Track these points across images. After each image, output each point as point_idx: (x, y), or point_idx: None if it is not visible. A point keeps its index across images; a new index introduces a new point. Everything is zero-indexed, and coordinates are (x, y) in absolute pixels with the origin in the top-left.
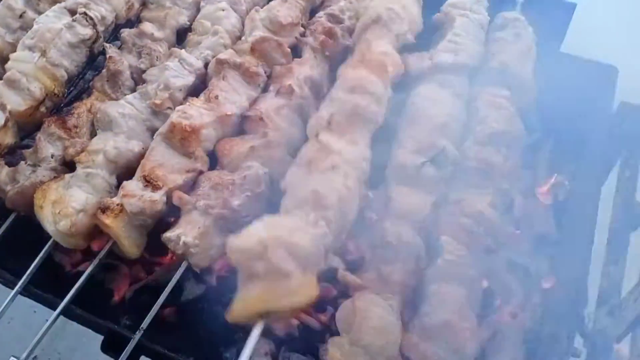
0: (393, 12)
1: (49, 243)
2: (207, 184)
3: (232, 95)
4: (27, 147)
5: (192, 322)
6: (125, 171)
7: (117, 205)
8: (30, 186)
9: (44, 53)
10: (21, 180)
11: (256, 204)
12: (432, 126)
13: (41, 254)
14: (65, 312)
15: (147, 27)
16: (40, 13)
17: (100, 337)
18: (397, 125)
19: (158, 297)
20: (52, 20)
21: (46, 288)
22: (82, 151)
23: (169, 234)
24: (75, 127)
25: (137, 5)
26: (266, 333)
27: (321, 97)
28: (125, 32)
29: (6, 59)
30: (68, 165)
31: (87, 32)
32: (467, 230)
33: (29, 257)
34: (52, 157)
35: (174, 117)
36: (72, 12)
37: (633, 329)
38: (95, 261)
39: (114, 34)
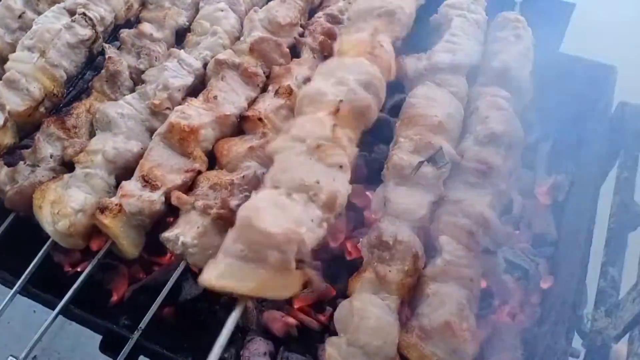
0: None
1: (48, 243)
2: (205, 184)
3: (231, 96)
4: (26, 147)
5: (191, 322)
6: (124, 171)
7: (116, 205)
8: (29, 186)
9: (43, 53)
10: (20, 180)
11: None
12: (430, 126)
13: (40, 254)
14: (64, 312)
15: (146, 27)
16: (39, 13)
17: (99, 337)
18: (394, 125)
19: (157, 297)
20: (51, 21)
21: (45, 288)
22: (81, 151)
23: (168, 234)
24: (74, 127)
25: (136, 6)
26: (265, 334)
27: None
28: (125, 33)
29: (5, 59)
30: (67, 166)
31: (86, 32)
32: (466, 230)
33: (28, 257)
34: (51, 158)
35: (173, 117)
36: (72, 13)
37: (631, 329)
38: (94, 261)
39: (113, 35)
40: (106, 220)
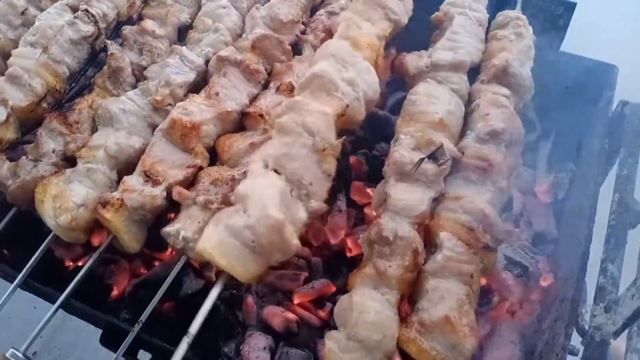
0: None
1: (50, 237)
2: (206, 180)
3: (233, 92)
4: (28, 142)
5: (191, 317)
6: (126, 167)
7: (118, 199)
8: (31, 181)
9: (45, 49)
10: (22, 175)
11: None
12: (430, 123)
13: (41, 248)
14: (65, 306)
15: (148, 24)
16: (42, 10)
17: (99, 333)
18: (395, 122)
19: (157, 292)
20: (53, 17)
21: (46, 282)
22: (83, 146)
23: (169, 229)
24: (77, 122)
25: (138, 3)
26: (265, 329)
27: None
28: (127, 29)
29: (8, 55)
30: (69, 161)
31: (88, 29)
32: (466, 226)
33: (29, 251)
34: (53, 152)
35: (175, 113)
36: (74, 9)
37: (629, 324)
38: (96, 255)
39: (115, 31)
40: (108, 214)
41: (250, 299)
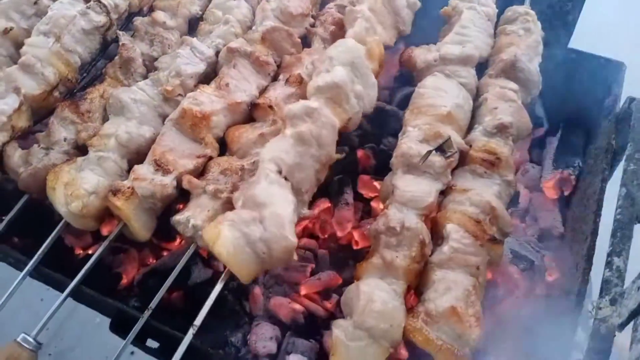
0: None
1: (61, 224)
2: (216, 169)
3: (242, 84)
4: (39, 132)
5: (199, 306)
6: (136, 156)
7: (128, 188)
8: (43, 168)
9: (58, 39)
10: (34, 162)
11: None
12: (438, 116)
13: (53, 235)
14: (74, 294)
15: (159, 15)
16: (54, 0)
17: (106, 326)
18: (403, 116)
19: (166, 281)
20: (66, 7)
21: (56, 270)
22: (95, 135)
23: (178, 217)
24: (88, 111)
25: None
26: (272, 320)
27: None
28: (138, 20)
29: (21, 44)
30: (80, 149)
31: (100, 19)
32: (473, 218)
33: (40, 239)
34: (64, 141)
35: (185, 103)
36: (86, 0)
37: (635, 316)
38: (106, 243)
39: (127, 22)
40: (119, 202)
41: (257, 290)
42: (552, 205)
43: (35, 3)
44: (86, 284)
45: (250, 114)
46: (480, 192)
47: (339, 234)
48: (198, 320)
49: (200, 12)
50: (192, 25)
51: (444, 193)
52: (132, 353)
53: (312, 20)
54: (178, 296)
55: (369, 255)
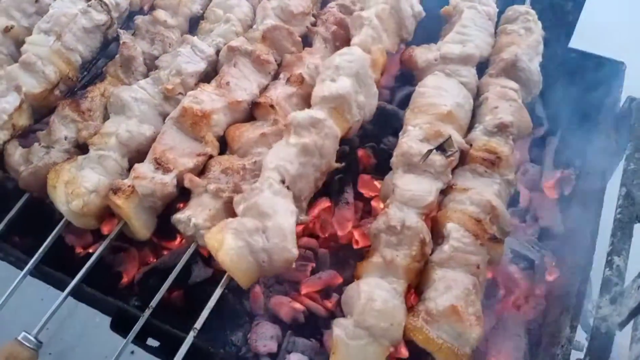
0: None
1: (61, 223)
2: (217, 168)
3: (243, 82)
4: (40, 130)
5: (200, 305)
6: (137, 154)
7: (129, 186)
8: (44, 167)
9: (59, 37)
10: (35, 161)
11: None
12: (439, 115)
13: (54, 233)
14: (75, 293)
15: (160, 14)
16: None
17: (106, 325)
18: (403, 116)
19: (166, 280)
20: (67, 5)
21: (57, 269)
22: (95, 134)
23: (179, 216)
24: (89, 110)
25: None
26: (272, 319)
27: None
28: (139, 19)
29: (22, 43)
30: (81, 148)
31: (101, 17)
32: (474, 217)
33: (40, 239)
34: (65, 139)
35: (186, 101)
36: None
37: (635, 315)
38: (106, 242)
39: (127, 21)
40: (119, 200)
41: (257, 289)
42: (552, 204)
43: (36, 1)
44: (87, 282)
45: (251, 112)
46: (481, 191)
47: (340, 233)
48: (198, 324)
49: (201, 11)
50: (193, 24)
51: (444, 192)
52: (132, 352)
53: (312, 19)
54: (178, 295)
55: (369, 254)
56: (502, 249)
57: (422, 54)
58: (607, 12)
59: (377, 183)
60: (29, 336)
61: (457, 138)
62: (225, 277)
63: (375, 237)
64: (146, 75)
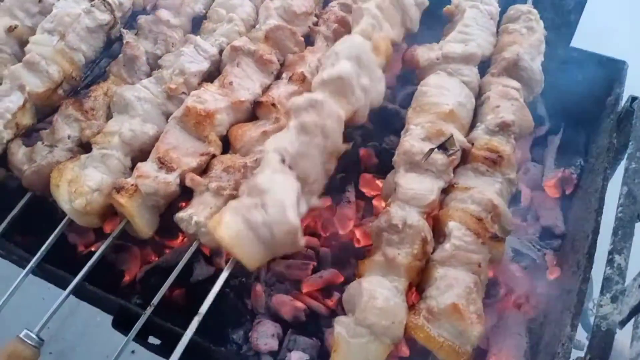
0: None
1: (64, 221)
2: (219, 167)
3: (246, 82)
4: (43, 129)
5: (201, 304)
6: (140, 153)
7: (132, 185)
8: (47, 166)
9: (62, 37)
10: (38, 159)
11: None
12: (441, 114)
13: (56, 231)
14: (76, 291)
15: (163, 14)
16: None
17: (107, 325)
18: (405, 115)
19: (168, 278)
20: (71, 5)
21: (59, 267)
22: (98, 133)
23: (182, 214)
24: (92, 109)
25: None
26: (273, 317)
27: None
28: (142, 19)
29: (25, 43)
30: (84, 147)
31: (105, 17)
32: (475, 216)
33: (43, 236)
34: (68, 138)
35: (189, 101)
36: None
37: (636, 313)
38: (109, 240)
39: (130, 21)
40: (122, 199)
41: (259, 288)
42: (553, 204)
43: (39, 1)
44: (89, 281)
45: (254, 112)
46: (482, 190)
47: (341, 232)
48: (203, 308)
49: (204, 11)
50: (196, 24)
51: (446, 191)
52: (132, 352)
53: (315, 19)
54: (180, 294)
55: (370, 253)
56: (504, 248)
57: (424, 53)
58: (608, 12)
59: (378, 182)
60: (31, 334)
61: (459, 137)
62: (230, 260)
63: (376, 236)
64: (149, 75)
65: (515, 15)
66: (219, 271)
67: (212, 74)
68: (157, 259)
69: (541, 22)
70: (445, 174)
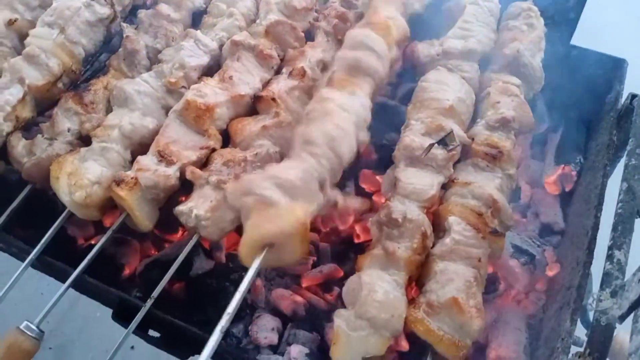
0: None
1: (64, 214)
2: (219, 161)
3: (246, 76)
4: (43, 123)
5: (201, 297)
6: (139, 147)
7: (132, 178)
8: (47, 159)
9: (62, 30)
10: (38, 152)
11: None
12: (441, 109)
13: (56, 224)
14: (76, 284)
15: (163, 8)
16: None
17: (107, 320)
18: (406, 110)
19: (168, 271)
20: None
21: (59, 260)
22: (98, 126)
23: (181, 207)
24: (92, 103)
25: None
26: (273, 312)
27: None
28: (142, 13)
29: (25, 36)
30: (84, 140)
31: (105, 11)
32: (475, 211)
33: (43, 230)
34: (68, 131)
35: (190, 95)
36: None
37: (636, 308)
38: (109, 233)
39: (131, 15)
40: (122, 192)
41: (259, 282)
42: (553, 200)
43: None
44: (88, 274)
45: (253, 106)
46: (482, 185)
47: (341, 227)
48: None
49: (205, 5)
50: (196, 18)
51: (446, 186)
52: (132, 347)
53: (315, 14)
54: (180, 287)
55: (370, 247)
56: (503, 243)
57: (425, 49)
58: (609, 9)
59: (378, 178)
60: (31, 325)
61: (459, 132)
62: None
63: (376, 230)
64: (149, 69)
65: (515, 12)
66: (218, 265)
67: (212, 69)
68: (156, 252)
69: (541, 19)
70: (445, 169)
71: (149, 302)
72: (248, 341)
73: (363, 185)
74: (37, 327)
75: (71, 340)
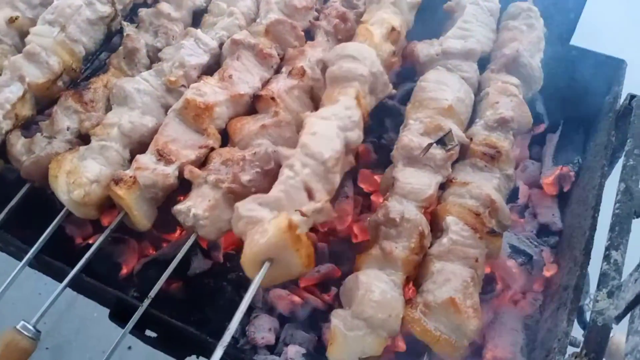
0: None
1: (62, 213)
2: (218, 160)
3: (246, 76)
4: (42, 121)
5: (198, 297)
6: (138, 146)
7: (130, 177)
8: (46, 157)
9: (63, 28)
10: (37, 151)
11: (265, 180)
12: (440, 109)
13: (54, 223)
14: (73, 284)
15: (164, 7)
16: None
17: (104, 320)
18: (404, 112)
19: (165, 271)
20: None
21: (57, 259)
22: (98, 125)
23: (180, 207)
24: (92, 101)
25: None
26: (271, 312)
27: None
28: (143, 12)
29: (26, 34)
30: (83, 138)
31: (106, 9)
32: (473, 211)
33: (41, 229)
34: (67, 130)
35: (189, 94)
36: None
37: (632, 308)
38: (107, 232)
39: (131, 13)
40: (121, 191)
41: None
42: (551, 201)
43: None
44: (86, 273)
45: (253, 105)
46: (480, 185)
47: (339, 227)
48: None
49: (205, 4)
50: (197, 17)
51: (444, 186)
52: (129, 348)
53: (315, 13)
54: (177, 287)
55: (368, 247)
56: (501, 243)
57: (424, 48)
58: (608, 10)
59: (377, 178)
60: (28, 325)
61: (458, 132)
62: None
63: (374, 229)
64: (149, 68)
65: (515, 12)
66: (216, 264)
67: (212, 68)
68: (154, 251)
69: (541, 20)
70: (443, 169)
71: (146, 302)
72: (245, 341)
73: (361, 185)
74: (34, 327)
75: (68, 340)
